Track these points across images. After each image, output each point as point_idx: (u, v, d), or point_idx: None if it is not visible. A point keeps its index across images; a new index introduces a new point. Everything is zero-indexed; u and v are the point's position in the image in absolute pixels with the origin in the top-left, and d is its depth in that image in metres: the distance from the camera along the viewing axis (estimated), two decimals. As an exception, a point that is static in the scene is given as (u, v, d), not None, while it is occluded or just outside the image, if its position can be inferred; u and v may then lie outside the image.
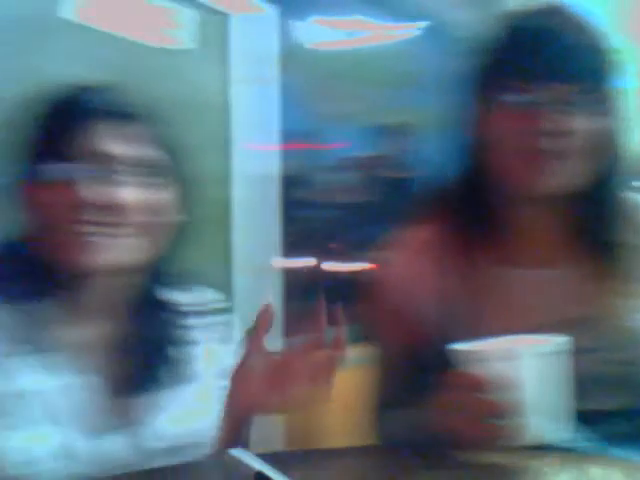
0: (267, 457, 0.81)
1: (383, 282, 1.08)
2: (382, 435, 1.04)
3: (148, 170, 0.89)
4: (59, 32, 1.75)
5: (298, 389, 0.86)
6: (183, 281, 1.02)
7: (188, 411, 0.96)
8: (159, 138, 0.92)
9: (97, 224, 0.85)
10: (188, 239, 0.97)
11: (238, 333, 1.02)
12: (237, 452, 0.78)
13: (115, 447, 0.89)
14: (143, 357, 0.93)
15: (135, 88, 1.85)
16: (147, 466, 0.86)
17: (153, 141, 0.90)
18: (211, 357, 1.01)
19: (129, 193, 0.87)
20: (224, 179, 2.19)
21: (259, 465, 0.75)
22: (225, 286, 2.12)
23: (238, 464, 0.76)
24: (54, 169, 0.87)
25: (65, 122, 0.88)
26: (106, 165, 0.86)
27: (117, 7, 1.88)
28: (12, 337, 0.87)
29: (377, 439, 1.05)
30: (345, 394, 1.01)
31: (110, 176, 0.86)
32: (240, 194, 2.21)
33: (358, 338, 1.02)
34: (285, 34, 2.43)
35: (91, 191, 0.85)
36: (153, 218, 0.89)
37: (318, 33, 3.17)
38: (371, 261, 1.18)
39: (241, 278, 2.21)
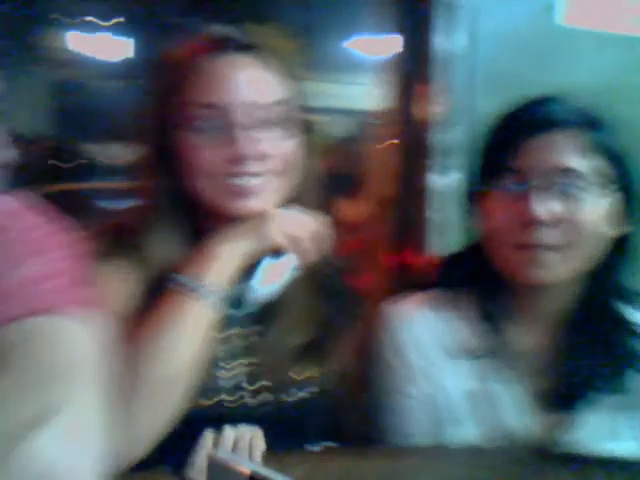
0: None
1: None
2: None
3: (597, 182, 0.85)
4: (553, 39, 1.73)
5: None
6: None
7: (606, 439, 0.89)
8: (609, 146, 0.86)
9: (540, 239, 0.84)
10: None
11: None
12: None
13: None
14: (581, 373, 0.88)
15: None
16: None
17: (602, 150, 0.86)
18: None
19: (583, 208, 0.84)
20: None
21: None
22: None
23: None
24: (505, 181, 0.87)
25: (515, 134, 0.87)
26: (561, 179, 0.84)
27: (603, 4, 1.77)
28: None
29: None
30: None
31: (565, 190, 0.84)
32: None
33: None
34: None
35: (541, 205, 0.83)
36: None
37: None
38: None
39: None
